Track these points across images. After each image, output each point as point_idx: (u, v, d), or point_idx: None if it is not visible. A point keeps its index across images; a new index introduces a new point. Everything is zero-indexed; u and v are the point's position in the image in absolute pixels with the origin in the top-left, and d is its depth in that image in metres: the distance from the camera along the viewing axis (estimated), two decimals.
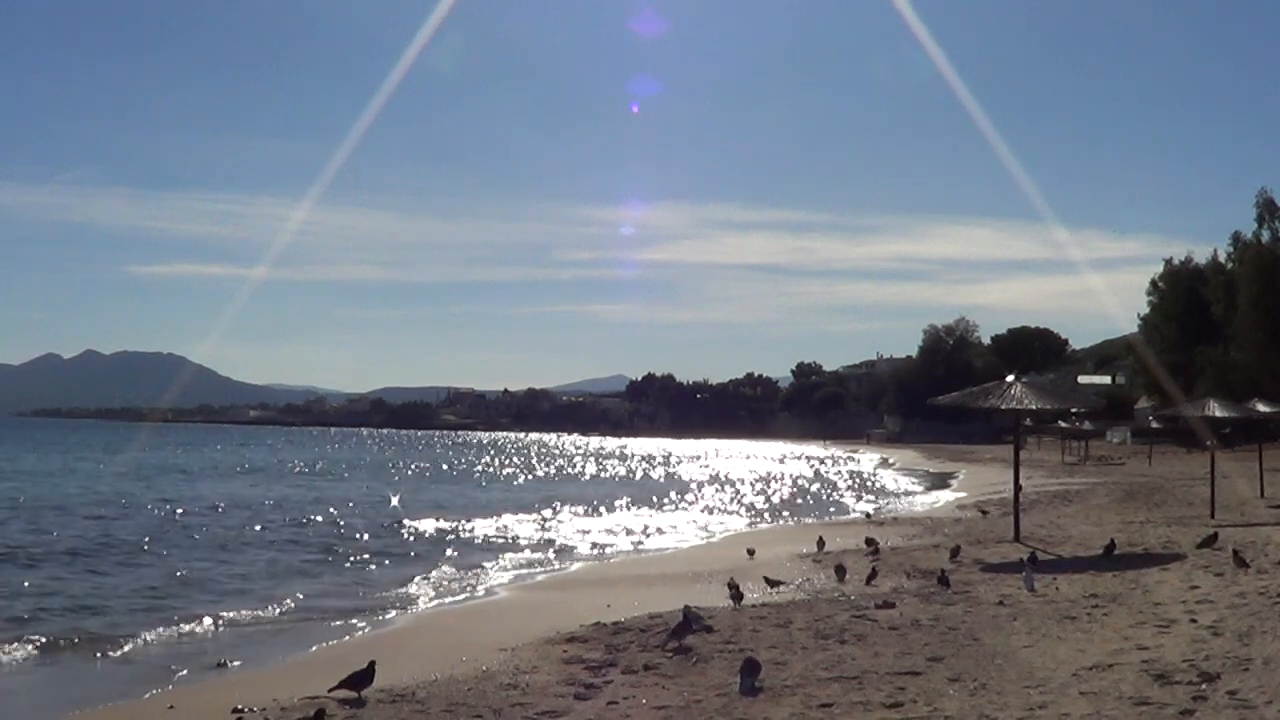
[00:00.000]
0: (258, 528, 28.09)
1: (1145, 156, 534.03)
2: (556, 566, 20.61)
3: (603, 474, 63.76)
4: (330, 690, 9.37)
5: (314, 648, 12.77)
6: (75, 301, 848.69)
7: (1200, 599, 12.53)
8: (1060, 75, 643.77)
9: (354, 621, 14.58)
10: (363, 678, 9.40)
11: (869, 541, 20.47)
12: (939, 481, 52.88)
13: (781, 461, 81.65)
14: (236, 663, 11.91)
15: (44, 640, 13.18)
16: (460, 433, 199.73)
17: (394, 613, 15.31)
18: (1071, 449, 70.63)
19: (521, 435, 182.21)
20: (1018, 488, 21.56)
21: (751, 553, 19.71)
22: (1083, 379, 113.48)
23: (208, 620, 14.57)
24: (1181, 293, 78.06)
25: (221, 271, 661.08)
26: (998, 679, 9.01)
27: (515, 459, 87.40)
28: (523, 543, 24.61)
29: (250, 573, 19.51)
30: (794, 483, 52.23)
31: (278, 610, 15.48)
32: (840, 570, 16.20)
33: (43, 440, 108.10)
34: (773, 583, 15.59)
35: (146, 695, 10.43)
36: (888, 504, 37.42)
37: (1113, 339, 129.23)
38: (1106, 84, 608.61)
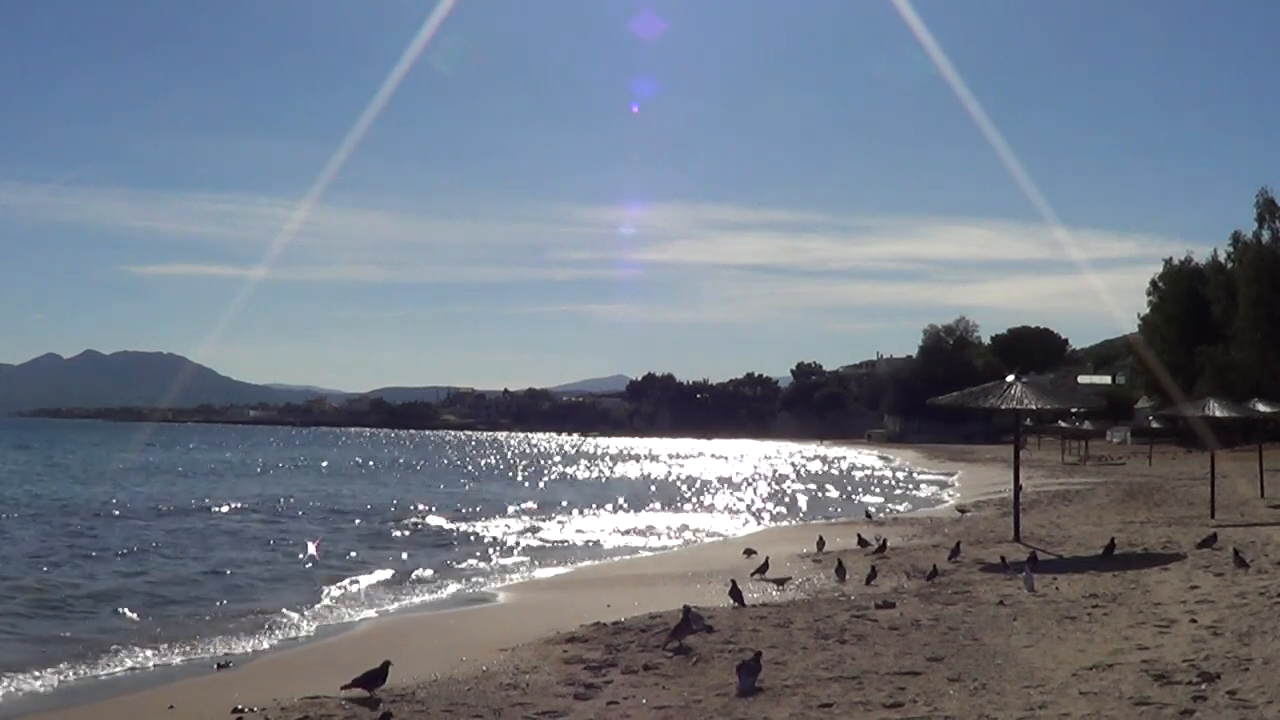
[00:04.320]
0: (260, 527, 28.13)
1: (1144, 156, 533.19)
2: (556, 566, 20.62)
3: (602, 474, 63.77)
4: (343, 688, 9.40)
5: (315, 647, 12.77)
6: (75, 301, 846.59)
7: (1200, 599, 12.53)
8: (1059, 75, 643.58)
9: (355, 621, 14.59)
10: (376, 677, 9.42)
11: (862, 542, 20.50)
12: (938, 482, 52.86)
13: (774, 461, 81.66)
14: (236, 662, 11.91)
15: (45, 639, 13.20)
16: (461, 432, 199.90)
17: (395, 613, 15.31)
18: (1071, 449, 70.64)
19: (521, 435, 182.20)
20: (1018, 488, 21.57)
21: (749, 553, 19.72)
22: (1083, 379, 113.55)
23: (207, 619, 14.59)
24: (1182, 293, 78.16)
25: (221, 271, 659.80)
26: (998, 679, 9.01)
27: (516, 460, 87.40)
28: (523, 542, 24.63)
29: (252, 572, 19.54)
30: (797, 483, 52.24)
31: (279, 609, 15.47)
32: (840, 570, 16.24)
33: (53, 439, 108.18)
34: (778, 581, 15.80)
35: (146, 695, 10.43)
36: (889, 503, 37.46)
37: (1113, 339, 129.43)
38: (1105, 83, 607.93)
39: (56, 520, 28.85)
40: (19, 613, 15.08)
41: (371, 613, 15.35)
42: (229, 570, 19.67)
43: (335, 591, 17.24)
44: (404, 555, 22.20)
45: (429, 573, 19.26)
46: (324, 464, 70.72)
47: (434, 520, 30.36)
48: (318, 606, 15.83)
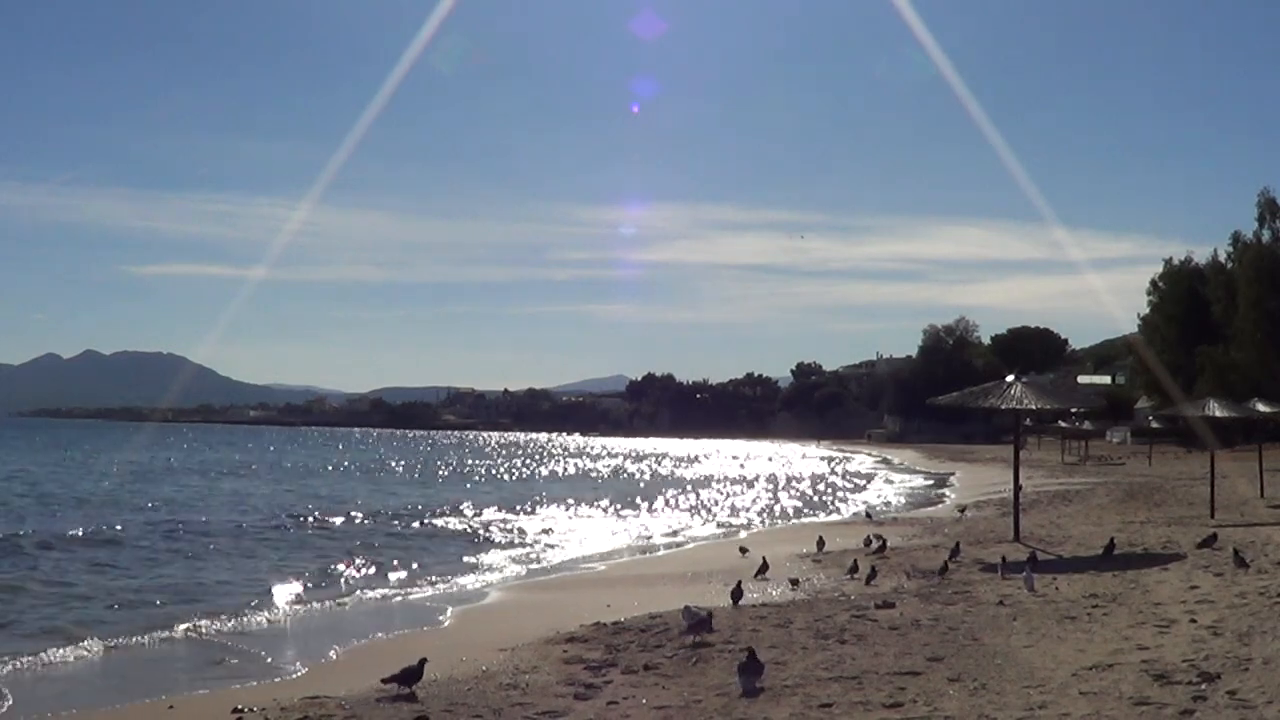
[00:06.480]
0: (260, 528, 28.10)
1: (1144, 156, 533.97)
2: (557, 566, 20.62)
3: (603, 474, 63.75)
4: (384, 681, 9.55)
5: (313, 648, 12.76)
6: (75, 301, 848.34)
7: (1200, 599, 12.53)
8: (1059, 75, 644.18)
9: (354, 621, 14.57)
10: (412, 674, 9.53)
11: (867, 542, 20.54)
12: (938, 481, 52.86)
13: (774, 461, 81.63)
14: (236, 662, 11.91)
15: (45, 639, 13.20)
16: (462, 432, 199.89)
17: (394, 613, 15.30)
18: (1071, 449, 70.61)
19: (521, 435, 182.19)
20: (1018, 488, 21.57)
21: (744, 551, 19.77)
22: (1083, 379, 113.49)
23: (206, 620, 14.58)
24: (1182, 293, 78.12)
25: (221, 271, 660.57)
26: (998, 679, 9.01)
27: (519, 460, 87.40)
28: (523, 542, 24.64)
29: (251, 572, 19.52)
30: (796, 483, 52.21)
31: (278, 610, 15.48)
32: (854, 568, 16.43)
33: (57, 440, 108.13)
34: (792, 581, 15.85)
35: (146, 695, 10.43)
36: (889, 503, 37.46)
37: (1113, 339, 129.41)
38: (1105, 83, 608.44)
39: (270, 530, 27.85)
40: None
41: (373, 613, 15.33)
42: (229, 570, 19.69)
43: (337, 591, 17.23)
44: (404, 554, 22.17)
45: (429, 572, 19.22)
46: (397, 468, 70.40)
47: (436, 519, 30.38)
48: (319, 607, 15.83)
